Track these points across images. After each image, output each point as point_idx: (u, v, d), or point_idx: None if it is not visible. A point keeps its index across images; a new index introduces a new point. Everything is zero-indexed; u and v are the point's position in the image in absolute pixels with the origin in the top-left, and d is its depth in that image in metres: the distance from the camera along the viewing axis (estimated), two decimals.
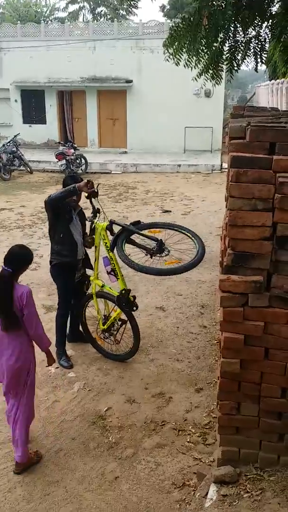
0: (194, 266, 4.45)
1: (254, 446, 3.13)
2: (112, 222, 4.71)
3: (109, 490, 3.48)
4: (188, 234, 4.64)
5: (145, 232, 4.81)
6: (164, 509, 3.28)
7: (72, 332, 5.39)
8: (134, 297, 4.90)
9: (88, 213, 4.98)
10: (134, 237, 4.82)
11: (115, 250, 4.64)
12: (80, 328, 5.34)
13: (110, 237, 4.74)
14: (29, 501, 3.41)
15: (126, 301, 4.74)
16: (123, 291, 4.70)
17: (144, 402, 4.43)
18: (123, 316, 4.98)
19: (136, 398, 4.48)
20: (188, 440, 3.91)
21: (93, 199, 4.74)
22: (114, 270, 4.76)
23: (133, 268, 4.46)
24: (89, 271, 5.21)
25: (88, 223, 4.99)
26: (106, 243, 4.72)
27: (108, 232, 4.77)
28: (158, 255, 4.52)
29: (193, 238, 4.56)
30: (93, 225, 4.83)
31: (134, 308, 4.85)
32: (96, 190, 4.66)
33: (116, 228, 4.78)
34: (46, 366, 3.66)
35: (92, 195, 4.67)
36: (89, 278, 5.07)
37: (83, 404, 4.42)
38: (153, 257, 4.55)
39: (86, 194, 4.63)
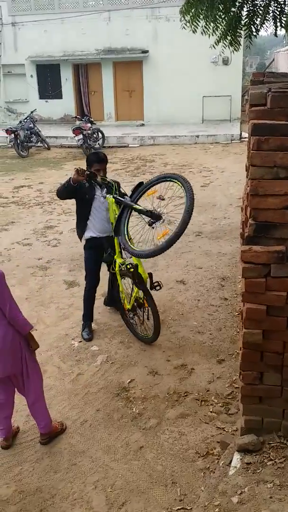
0: (178, 237, 4.04)
1: (277, 415, 3.14)
2: (115, 198, 4.65)
3: (134, 459, 3.55)
4: (179, 184, 4.25)
5: (146, 193, 4.64)
6: (189, 477, 3.34)
7: (110, 297, 5.48)
8: (151, 274, 4.79)
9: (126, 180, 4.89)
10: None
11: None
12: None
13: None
14: (56, 471, 3.50)
15: (138, 278, 4.66)
16: (131, 265, 4.61)
17: (167, 373, 4.47)
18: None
19: (158, 370, 4.52)
20: (211, 410, 3.94)
21: (98, 179, 4.74)
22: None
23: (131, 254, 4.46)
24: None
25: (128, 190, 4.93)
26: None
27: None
28: (157, 223, 4.35)
29: (184, 192, 4.14)
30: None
31: (157, 288, 4.78)
32: (89, 172, 4.67)
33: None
34: (30, 347, 3.50)
35: (90, 178, 4.71)
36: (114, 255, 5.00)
37: (106, 377, 4.49)
38: (153, 226, 4.37)
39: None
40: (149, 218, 4.37)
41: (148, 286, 4.75)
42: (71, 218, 9.20)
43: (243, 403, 3.23)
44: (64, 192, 4.82)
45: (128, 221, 4.63)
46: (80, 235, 5.14)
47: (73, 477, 3.43)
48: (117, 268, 4.91)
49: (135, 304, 4.95)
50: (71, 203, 10.13)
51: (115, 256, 4.93)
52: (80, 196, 4.89)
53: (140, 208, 4.45)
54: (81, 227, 5.07)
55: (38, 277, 6.67)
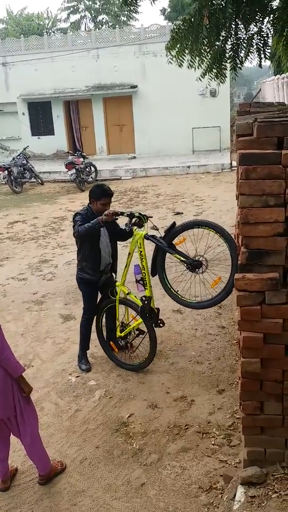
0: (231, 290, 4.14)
1: (280, 445, 3.08)
2: (148, 237, 4.58)
3: (136, 497, 3.45)
4: (220, 236, 4.24)
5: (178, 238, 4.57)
6: None
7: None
8: (158, 309, 4.85)
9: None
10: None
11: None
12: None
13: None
14: None
15: (149, 312, 4.71)
16: (144, 298, 4.67)
17: (166, 406, 4.39)
18: (142, 327, 4.95)
19: (158, 403, 4.45)
20: (213, 442, 3.86)
21: (125, 215, 4.72)
22: (144, 280, 4.71)
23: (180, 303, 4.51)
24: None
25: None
26: (141, 251, 4.65)
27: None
28: (197, 270, 4.38)
29: (226, 243, 4.15)
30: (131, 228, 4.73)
31: (161, 325, 4.84)
32: (118, 213, 4.63)
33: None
34: (24, 395, 3.35)
35: (117, 217, 4.69)
36: (115, 284, 5.00)
37: (105, 412, 4.41)
38: (194, 272, 4.40)
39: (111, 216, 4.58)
40: (188, 265, 4.38)
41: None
42: (65, 251, 9.22)
43: (244, 434, 3.17)
44: (89, 233, 4.64)
45: (164, 268, 4.56)
46: (82, 274, 5.01)
47: None
48: (117, 295, 4.91)
49: (133, 332, 4.99)
50: (65, 237, 10.23)
51: (118, 284, 4.92)
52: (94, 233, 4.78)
53: (179, 256, 4.39)
54: (85, 262, 4.95)
55: (34, 312, 6.63)
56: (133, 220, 4.71)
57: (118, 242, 5.11)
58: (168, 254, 4.48)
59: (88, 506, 3.42)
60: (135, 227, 4.69)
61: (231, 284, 3.96)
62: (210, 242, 4.35)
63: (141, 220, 4.68)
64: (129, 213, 4.73)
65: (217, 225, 4.20)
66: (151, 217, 4.83)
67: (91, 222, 4.57)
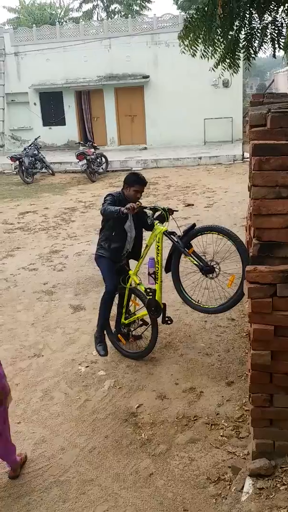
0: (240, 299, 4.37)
1: None
2: (167, 234, 4.61)
3: (144, 487, 3.47)
4: (234, 245, 4.30)
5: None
6: (200, 504, 3.25)
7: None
8: (165, 305, 4.89)
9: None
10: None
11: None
12: None
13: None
14: (65, 500, 3.42)
15: (155, 306, 4.76)
16: (148, 290, 4.72)
17: (175, 397, 4.40)
18: (146, 318, 5.01)
19: (167, 394, 4.46)
20: (221, 434, 3.86)
21: (147, 209, 4.76)
22: (156, 274, 4.74)
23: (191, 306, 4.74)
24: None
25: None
26: (158, 246, 4.69)
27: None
28: (209, 275, 4.48)
29: (240, 256, 4.22)
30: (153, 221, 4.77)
31: (169, 322, 4.90)
32: (139, 207, 4.60)
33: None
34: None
35: (140, 211, 4.70)
36: (128, 272, 5.02)
37: (114, 402, 4.42)
38: (207, 276, 4.50)
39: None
40: (201, 269, 4.48)
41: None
42: (76, 242, 9.24)
43: (253, 426, 3.17)
44: (109, 216, 4.68)
45: (180, 278, 4.73)
46: (103, 253, 4.98)
47: (82, 507, 3.36)
48: (128, 284, 4.96)
49: (137, 322, 5.08)
50: (76, 228, 10.24)
51: (131, 272, 4.96)
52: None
53: (193, 260, 4.48)
54: (111, 241, 4.91)
55: (44, 302, 6.66)
56: (156, 214, 4.74)
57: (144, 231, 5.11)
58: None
59: (97, 495, 3.44)
60: (157, 222, 4.71)
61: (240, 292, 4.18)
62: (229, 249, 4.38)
63: (164, 214, 4.70)
64: (152, 207, 4.75)
65: (236, 236, 4.25)
66: (177, 210, 4.91)
67: (115, 208, 4.57)
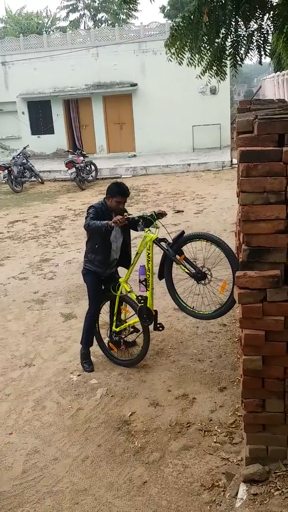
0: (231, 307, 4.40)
1: (282, 443, 3.08)
2: (157, 242, 4.61)
3: (138, 495, 3.45)
4: (223, 252, 4.27)
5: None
6: (194, 511, 3.24)
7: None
8: (156, 312, 4.90)
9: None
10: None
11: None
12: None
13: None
14: (59, 511, 3.39)
15: (147, 314, 4.76)
16: (140, 297, 4.73)
17: (168, 404, 4.39)
18: (137, 325, 5.03)
19: (159, 401, 4.44)
20: (215, 440, 3.86)
21: (136, 219, 4.74)
22: (147, 281, 4.75)
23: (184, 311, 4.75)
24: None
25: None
26: (149, 253, 4.70)
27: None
28: (202, 282, 4.50)
29: (230, 263, 4.18)
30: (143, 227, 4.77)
31: (160, 329, 4.92)
32: (128, 218, 4.62)
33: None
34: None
35: (130, 226, 4.76)
36: (118, 279, 5.03)
37: (107, 410, 4.40)
38: (199, 283, 4.52)
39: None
40: (193, 276, 4.50)
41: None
42: (66, 250, 9.22)
43: (246, 432, 3.17)
44: (96, 231, 4.66)
45: (174, 287, 4.73)
46: (89, 266, 4.99)
47: None
48: (119, 291, 4.96)
49: (128, 329, 5.09)
50: (66, 236, 10.22)
51: (121, 280, 4.97)
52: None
53: (184, 268, 4.50)
54: (95, 254, 4.93)
55: (35, 311, 6.62)
56: (142, 221, 4.75)
57: (131, 239, 5.11)
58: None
59: (90, 504, 3.41)
60: (147, 229, 4.72)
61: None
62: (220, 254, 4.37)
63: (151, 220, 4.70)
64: (138, 217, 4.74)
65: (224, 243, 4.25)
66: (166, 214, 4.91)
67: (101, 222, 4.56)
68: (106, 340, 5.25)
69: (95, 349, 5.35)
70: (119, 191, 4.75)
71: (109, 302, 5.11)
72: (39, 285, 7.60)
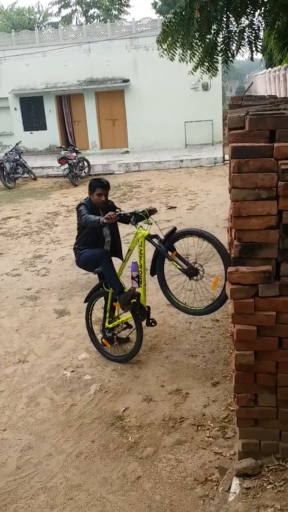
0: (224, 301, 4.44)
1: (274, 437, 3.11)
2: (149, 239, 4.64)
3: (132, 490, 3.47)
4: (215, 248, 4.31)
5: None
6: (188, 505, 3.27)
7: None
8: (149, 307, 4.94)
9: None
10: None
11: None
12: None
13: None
14: (53, 506, 3.41)
15: (139, 309, 4.78)
16: (128, 291, 4.72)
17: (161, 399, 4.41)
18: (130, 321, 5.05)
19: (153, 396, 4.46)
20: (208, 435, 3.88)
21: (128, 215, 4.78)
22: (139, 277, 4.77)
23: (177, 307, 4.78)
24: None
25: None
26: (141, 250, 4.72)
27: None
28: (194, 277, 4.52)
29: (222, 259, 4.25)
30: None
31: (153, 324, 4.95)
32: (120, 215, 4.68)
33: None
34: None
35: (121, 220, 4.79)
36: None
37: (100, 406, 4.42)
38: (191, 279, 4.54)
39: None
40: (185, 272, 4.52)
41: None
42: (59, 246, 9.21)
43: (239, 426, 3.19)
44: (90, 226, 4.73)
45: (167, 285, 4.77)
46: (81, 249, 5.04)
47: None
48: (111, 288, 4.94)
49: (121, 325, 5.10)
50: (59, 232, 10.21)
51: None
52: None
53: (176, 264, 4.52)
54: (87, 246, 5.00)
55: (28, 308, 6.62)
56: (133, 217, 4.78)
57: (124, 235, 5.13)
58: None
59: (84, 500, 3.43)
60: (139, 226, 4.75)
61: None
62: (212, 250, 4.40)
63: (143, 216, 4.74)
64: (131, 212, 4.78)
65: (216, 239, 4.29)
66: (156, 210, 4.91)
67: (95, 217, 4.64)
68: (99, 336, 5.26)
69: (88, 345, 5.37)
70: (97, 184, 4.91)
71: (102, 298, 5.12)
72: (32, 281, 7.59)
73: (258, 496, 2.89)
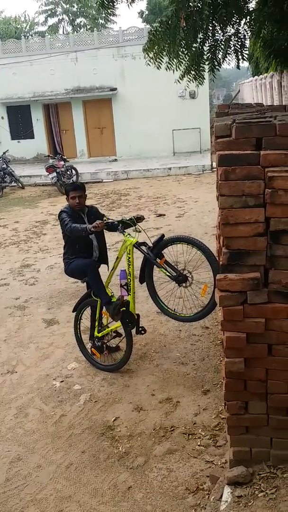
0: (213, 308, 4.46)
1: (265, 444, 3.09)
2: (137, 246, 4.64)
3: (123, 501, 3.44)
4: (203, 255, 4.32)
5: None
6: None
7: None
8: (138, 315, 4.94)
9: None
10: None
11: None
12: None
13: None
14: None
15: (129, 317, 4.77)
16: (117, 300, 4.70)
17: (152, 408, 4.38)
18: (120, 330, 5.03)
19: (143, 405, 4.44)
20: (199, 443, 3.86)
21: (116, 223, 4.80)
22: (128, 285, 4.76)
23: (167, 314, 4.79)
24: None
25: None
26: (129, 258, 4.72)
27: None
28: (183, 284, 4.52)
29: (210, 265, 4.24)
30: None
31: (142, 332, 4.94)
32: (107, 223, 4.71)
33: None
34: None
35: (108, 228, 4.81)
36: None
37: (90, 416, 4.38)
38: (180, 286, 4.54)
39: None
40: (174, 279, 4.52)
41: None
42: (48, 255, 9.16)
43: (230, 434, 3.18)
44: (76, 235, 4.73)
45: (156, 291, 4.77)
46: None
47: None
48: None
49: (110, 334, 5.08)
50: (47, 241, 10.16)
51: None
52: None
53: (165, 271, 4.52)
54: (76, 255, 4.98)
55: (16, 317, 6.57)
56: (121, 225, 4.79)
57: (113, 243, 5.13)
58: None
59: (75, 511, 3.39)
60: (127, 234, 4.75)
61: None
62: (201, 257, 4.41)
63: (130, 224, 4.77)
64: (116, 222, 4.80)
65: (205, 246, 4.31)
66: (144, 218, 4.95)
67: (81, 226, 4.65)
68: (88, 345, 5.23)
69: (77, 354, 5.33)
70: (70, 187, 5.04)
71: (90, 307, 5.09)
72: (21, 291, 7.54)
73: (249, 504, 2.87)
